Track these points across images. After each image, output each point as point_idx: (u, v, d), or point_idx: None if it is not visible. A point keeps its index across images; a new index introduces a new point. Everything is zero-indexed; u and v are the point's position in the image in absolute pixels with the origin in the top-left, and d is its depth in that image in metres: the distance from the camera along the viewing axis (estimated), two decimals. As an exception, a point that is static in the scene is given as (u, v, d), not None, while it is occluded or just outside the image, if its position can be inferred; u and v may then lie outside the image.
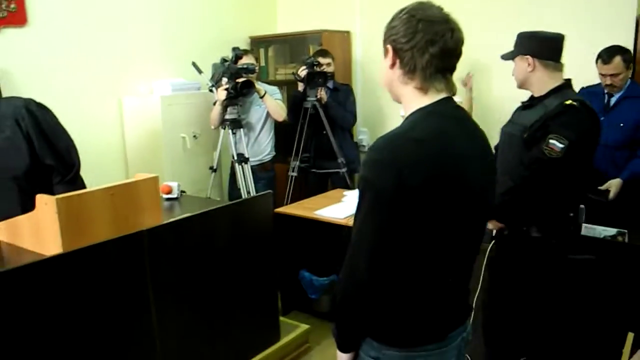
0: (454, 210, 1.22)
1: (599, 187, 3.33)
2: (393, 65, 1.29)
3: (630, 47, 3.67)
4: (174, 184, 3.24)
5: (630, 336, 2.06)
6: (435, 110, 1.26)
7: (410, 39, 1.23)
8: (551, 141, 2.20)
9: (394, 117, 4.49)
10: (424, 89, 1.26)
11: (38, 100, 2.61)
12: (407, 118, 1.29)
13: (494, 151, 1.59)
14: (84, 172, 2.78)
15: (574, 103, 2.25)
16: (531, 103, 2.44)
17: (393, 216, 1.17)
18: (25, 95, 2.64)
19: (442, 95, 1.28)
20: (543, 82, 2.39)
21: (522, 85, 2.49)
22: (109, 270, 2.12)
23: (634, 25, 3.72)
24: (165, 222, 2.43)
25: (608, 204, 3.25)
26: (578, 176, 2.33)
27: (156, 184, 2.59)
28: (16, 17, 3.44)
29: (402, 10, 1.28)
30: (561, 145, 2.18)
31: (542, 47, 2.37)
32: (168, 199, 3.26)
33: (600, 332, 2.57)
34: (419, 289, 1.28)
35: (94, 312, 2.06)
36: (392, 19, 1.29)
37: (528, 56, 2.38)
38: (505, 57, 2.52)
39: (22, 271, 1.84)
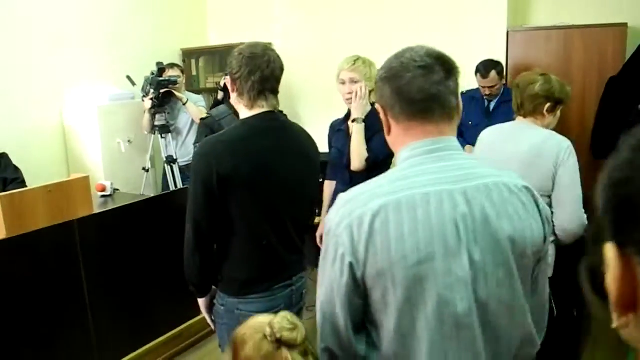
0: (260, 190, 1.79)
1: None
2: (233, 90, 1.86)
3: (503, 56, 4.36)
4: (107, 183, 3.73)
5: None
6: (247, 122, 1.84)
7: (238, 71, 1.80)
8: None
9: (312, 122, 5.06)
10: (249, 107, 1.84)
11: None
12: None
13: None
14: (30, 176, 3.26)
15: None
16: None
17: (208, 194, 1.74)
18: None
19: (264, 109, 1.84)
20: None
21: None
22: (45, 254, 2.63)
23: (505, 37, 4.40)
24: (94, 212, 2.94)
25: None
26: None
27: (88, 182, 3.09)
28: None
29: (236, 50, 1.85)
30: None
31: None
32: (103, 196, 3.74)
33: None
34: (240, 252, 1.84)
35: (33, 290, 2.56)
36: (230, 57, 1.85)
37: None
38: None
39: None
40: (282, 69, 1.87)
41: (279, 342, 1.19)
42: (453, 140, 1.21)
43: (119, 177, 4.32)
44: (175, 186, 4.31)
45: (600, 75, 4.06)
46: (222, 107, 2.95)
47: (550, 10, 4.52)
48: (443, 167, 1.16)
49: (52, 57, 4.37)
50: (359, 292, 1.15)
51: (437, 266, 1.09)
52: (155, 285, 3.23)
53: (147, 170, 4.43)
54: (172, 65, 4.48)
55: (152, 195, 4.60)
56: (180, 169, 4.38)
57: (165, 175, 4.49)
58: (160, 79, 4.14)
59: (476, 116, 4.10)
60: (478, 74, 4.00)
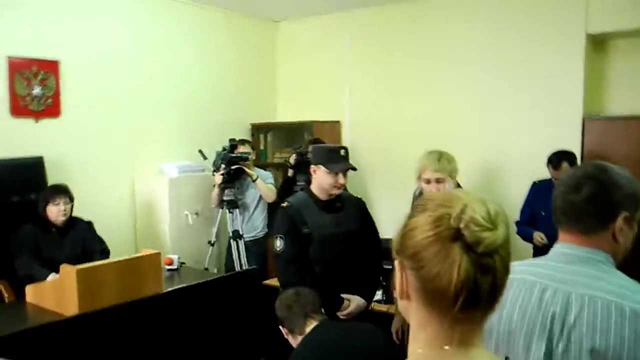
0: None
1: None
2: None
3: (578, 144, 4.25)
4: (174, 257, 3.75)
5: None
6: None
7: None
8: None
9: (380, 198, 5.04)
10: None
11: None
12: None
13: None
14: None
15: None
16: None
17: None
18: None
19: None
20: None
21: None
22: (115, 329, 2.62)
23: (580, 125, 4.29)
24: (164, 291, 2.94)
25: None
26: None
27: (159, 259, 3.11)
28: (52, 109, 4.10)
29: None
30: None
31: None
32: (169, 270, 3.76)
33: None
34: None
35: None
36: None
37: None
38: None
39: (46, 328, 2.35)
40: None
41: (458, 234, 0.85)
42: (585, 251, 1.33)
43: (184, 249, 4.36)
44: (240, 261, 4.30)
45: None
46: (300, 194, 2.88)
47: (628, 99, 4.41)
48: (563, 269, 1.33)
49: (127, 130, 4.57)
50: None
51: (521, 340, 1.32)
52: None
53: (213, 244, 4.45)
54: (244, 142, 4.57)
55: (215, 269, 4.62)
56: (246, 244, 4.38)
57: (229, 249, 4.49)
58: (232, 155, 4.22)
59: (549, 206, 3.94)
60: (550, 165, 3.90)
